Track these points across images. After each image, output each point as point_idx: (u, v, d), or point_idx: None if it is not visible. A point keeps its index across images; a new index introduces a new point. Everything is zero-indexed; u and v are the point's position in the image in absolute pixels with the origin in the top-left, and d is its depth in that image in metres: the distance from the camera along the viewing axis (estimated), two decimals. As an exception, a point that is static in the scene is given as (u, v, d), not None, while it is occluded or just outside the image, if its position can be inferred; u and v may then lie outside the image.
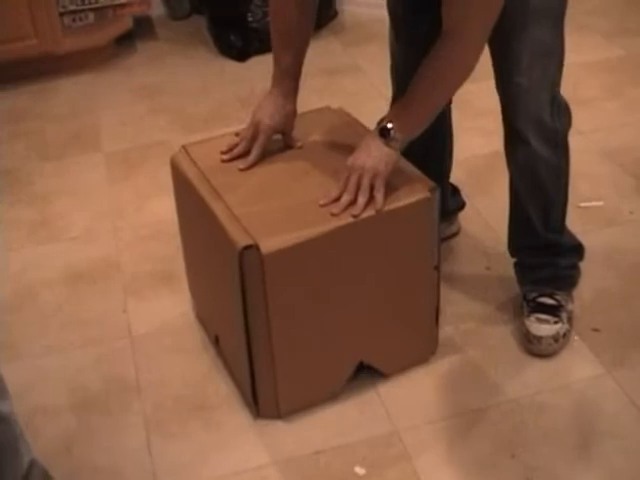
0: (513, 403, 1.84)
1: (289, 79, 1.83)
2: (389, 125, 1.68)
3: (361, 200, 1.66)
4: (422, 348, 1.95)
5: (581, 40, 3.46)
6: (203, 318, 2.09)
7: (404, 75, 1.86)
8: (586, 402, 1.83)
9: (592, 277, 2.16)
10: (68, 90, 3.34)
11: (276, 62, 1.83)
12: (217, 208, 1.73)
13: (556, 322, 1.95)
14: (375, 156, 1.68)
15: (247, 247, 1.62)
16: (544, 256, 2.02)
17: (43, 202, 2.66)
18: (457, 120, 2.90)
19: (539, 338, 1.93)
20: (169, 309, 2.15)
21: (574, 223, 2.36)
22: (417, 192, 1.74)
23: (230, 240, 1.66)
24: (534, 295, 2.00)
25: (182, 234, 2.04)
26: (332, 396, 1.85)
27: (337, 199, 1.68)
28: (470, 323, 2.05)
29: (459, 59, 1.65)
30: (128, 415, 1.87)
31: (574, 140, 2.76)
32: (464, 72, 1.66)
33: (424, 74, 1.67)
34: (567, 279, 2.06)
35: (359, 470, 1.71)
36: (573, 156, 2.72)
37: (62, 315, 2.18)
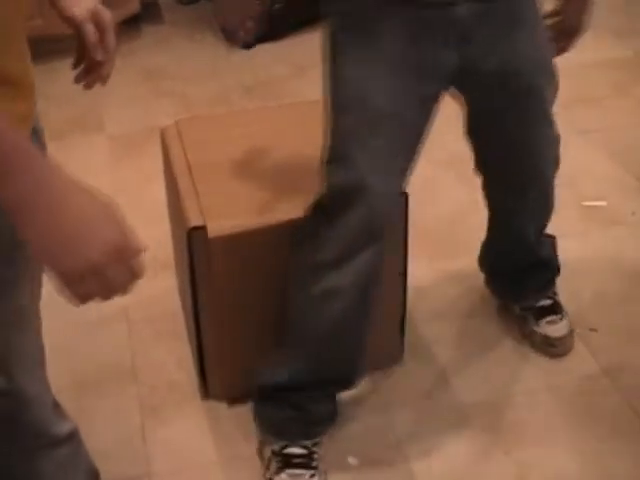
0: (509, 400, 1.83)
1: None
2: None
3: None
4: (383, 355, 1.87)
5: (591, 38, 3.44)
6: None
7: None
8: (582, 402, 1.83)
9: (592, 277, 2.16)
10: (72, 71, 3.31)
11: None
12: (183, 183, 1.73)
13: (562, 318, 1.95)
14: None
15: (196, 228, 1.62)
16: (534, 264, 1.94)
17: (44, 182, 2.65)
18: (461, 114, 2.90)
19: (561, 339, 1.93)
20: (167, 293, 2.14)
21: (576, 222, 2.36)
22: None
23: (184, 218, 1.66)
24: (532, 303, 1.97)
25: (169, 212, 2.05)
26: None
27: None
28: (467, 319, 2.05)
29: None
30: (123, 399, 1.87)
31: (580, 138, 2.77)
32: None
33: None
34: (555, 276, 2.00)
35: (352, 460, 1.71)
36: (578, 154, 2.72)
37: (59, 297, 2.16)
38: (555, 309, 1.96)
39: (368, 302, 1.57)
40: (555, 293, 1.99)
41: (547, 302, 1.96)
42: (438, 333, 2.00)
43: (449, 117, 2.88)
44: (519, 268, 1.94)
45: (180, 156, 1.82)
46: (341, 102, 1.49)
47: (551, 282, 1.99)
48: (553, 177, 1.78)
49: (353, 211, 1.44)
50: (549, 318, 1.94)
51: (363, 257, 1.49)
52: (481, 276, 2.19)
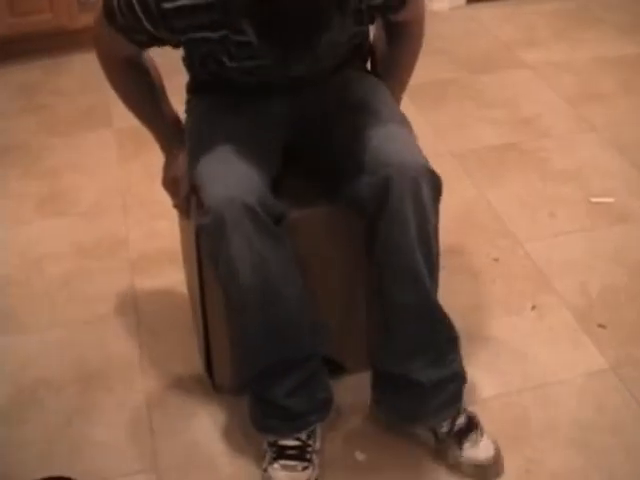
0: (515, 395, 1.83)
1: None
2: None
3: None
4: None
5: (597, 35, 3.45)
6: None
7: None
8: (588, 397, 1.83)
9: (600, 273, 2.16)
10: (81, 66, 3.33)
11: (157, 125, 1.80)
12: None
13: (482, 433, 1.67)
14: None
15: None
16: (444, 360, 1.65)
17: (52, 177, 2.66)
18: (470, 110, 2.91)
19: (494, 457, 1.65)
20: (175, 288, 2.15)
21: (584, 218, 2.36)
22: None
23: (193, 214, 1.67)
24: (448, 425, 1.66)
25: None
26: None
27: None
28: (474, 315, 2.05)
29: (422, 15, 1.73)
30: (130, 392, 1.87)
31: (587, 135, 2.77)
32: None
33: (404, 48, 1.75)
34: (462, 383, 1.69)
35: (359, 455, 1.71)
36: (586, 151, 2.73)
37: (68, 290, 2.18)
38: (470, 425, 1.67)
39: (274, 276, 1.54)
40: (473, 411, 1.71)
41: (461, 421, 1.66)
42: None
43: (453, 114, 2.90)
44: (420, 347, 1.63)
45: None
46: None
47: (459, 393, 1.68)
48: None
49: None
50: (469, 438, 1.65)
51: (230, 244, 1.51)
52: (488, 271, 2.19)
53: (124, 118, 2.97)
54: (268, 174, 1.60)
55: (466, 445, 1.65)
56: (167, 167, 1.81)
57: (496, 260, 2.22)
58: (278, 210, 1.57)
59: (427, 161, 1.58)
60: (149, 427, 1.79)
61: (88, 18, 3.31)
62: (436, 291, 1.64)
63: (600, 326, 2.01)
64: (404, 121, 1.68)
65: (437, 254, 1.62)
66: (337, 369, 1.84)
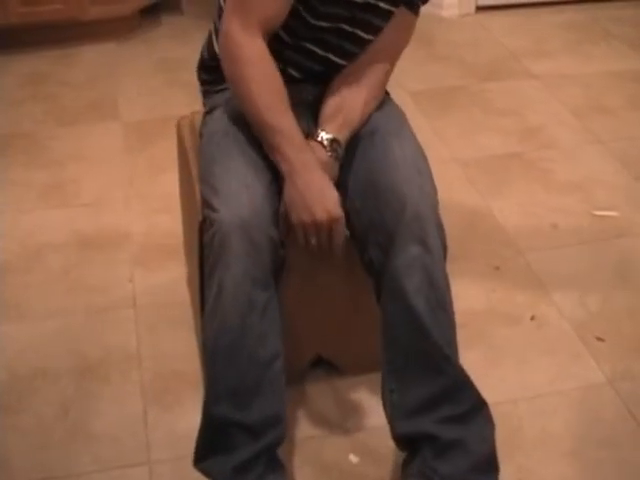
0: (511, 404, 1.83)
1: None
2: (333, 136, 1.59)
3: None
4: None
5: (607, 49, 3.46)
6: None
7: None
8: (584, 410, 1.83)
9: (600, 286, 2.15)
10: (90, 57, 3.33)
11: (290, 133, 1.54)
12: (196, 174, 1.73)
13: None
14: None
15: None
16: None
17: (57, 167, 2.66)
18: (476, 119, 2.91)
19: None
20: (175, 282, 2.14)
21: (586, 231, 2.36)
22: None
23: (196, 209, 1.66)
24: None
25: (181, 202, 2.06)
26: (287, 383, 1.71)
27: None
28: (472, 322, 2.05)
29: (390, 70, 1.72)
30: (126, 384, 1.87)
31: (593, 148, 2.78)
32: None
33: (362, 83, 1.66)
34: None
35: (353, 458, 1.71)
36: (591, 164, 2.73)
37: (68, 280, 2.18)
38: None
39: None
40: None
41: None
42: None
43: (459, 122, 2.90)
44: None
45: (195, 147, 1.83)
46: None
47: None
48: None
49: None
50: None
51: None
52: (489, 279, 2.19)
53: (130, 112, 3.00)
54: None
55: None
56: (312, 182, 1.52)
57: (497, 269, 2.22)
58: (281, 253, 1.55)
59: (437, 203, 1.60)
60: (144, 420, 1.79)
61: (98, 11, 3.34)
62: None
63: (599, 339, 2.00)
64: (418, 157, 1.64)
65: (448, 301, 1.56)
66: (333, 370, 1.84)
